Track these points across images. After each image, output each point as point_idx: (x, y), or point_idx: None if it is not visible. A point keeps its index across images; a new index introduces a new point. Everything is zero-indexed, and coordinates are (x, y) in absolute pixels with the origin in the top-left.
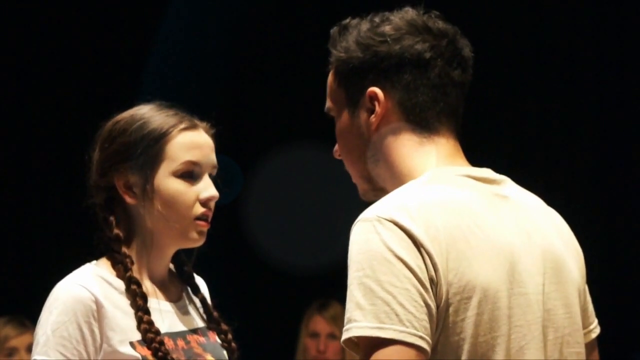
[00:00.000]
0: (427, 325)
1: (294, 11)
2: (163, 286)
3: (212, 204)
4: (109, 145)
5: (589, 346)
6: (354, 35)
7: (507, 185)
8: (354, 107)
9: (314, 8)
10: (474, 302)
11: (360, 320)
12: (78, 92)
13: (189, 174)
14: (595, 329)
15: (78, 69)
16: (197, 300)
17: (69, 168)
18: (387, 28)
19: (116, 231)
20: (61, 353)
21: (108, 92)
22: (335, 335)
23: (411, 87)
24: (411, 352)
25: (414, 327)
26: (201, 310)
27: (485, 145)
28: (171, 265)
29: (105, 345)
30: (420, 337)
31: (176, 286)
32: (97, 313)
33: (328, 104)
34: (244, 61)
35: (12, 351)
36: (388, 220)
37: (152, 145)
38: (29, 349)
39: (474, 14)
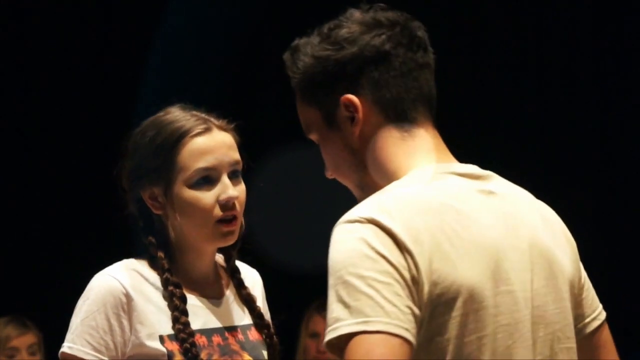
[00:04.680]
0: (412, 319)
1: (294, 11)
2: (205, 282)
3: (236, 203)
4: (131, 159)
5: (595, 333)
6: (308, 52)
7: (493, 180)
8: (332, 121)
9: (314, 8)
10: (458, 303)
11: (346, 318)
12: (77, 92)
13: (204, 180)
14: (600, 316)
15: (78, 69)
16: (242, 296)
17: (68, 168)
18: (338, 34)
19: (150, 238)
20: (87, 342)
21: (108, 92)
22: None
23: (381, 83)
24: (396, 341)
25: (399, 319)
26: (246, 305)
27: (480, 143)
28: (221, 260)
29: (133, 338)
30: (406, 329)
31: (224, 281)
32: (127, 305)
33: (307, 134)
34: (244, 61)
35: (13, 351)
36: (369, 220)
37: (165, 157)
38: (30, 349)
39: (469, 13)
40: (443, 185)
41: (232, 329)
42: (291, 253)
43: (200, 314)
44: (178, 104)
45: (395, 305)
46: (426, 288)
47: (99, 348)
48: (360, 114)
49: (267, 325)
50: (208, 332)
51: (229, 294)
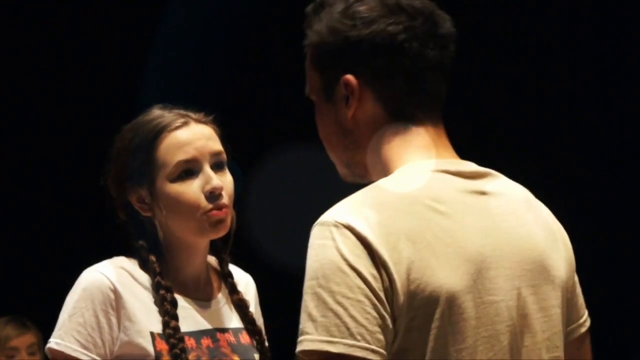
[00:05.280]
0: (381, 337)
1: (294, 11)
2: (196, 284)
3: (223, 193)
4: (114, 165)
5: (579, 340)
6: (327, 17)
7: (490, 179)
8: (329, 93)
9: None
10: (437, 314)
11: (311, 332)
12: (77, 92)
13: (186, 173)
14: (586, 322)
15: (77, 68)
16: (234, 300)
17: (69, 168)
18: (358, 10)
19: (140, 242)
20: (75, 338)
21: (108, 93)
22: None
23: (385, 74)
24: None
25: (365, 341)
26: (238, 309)
27: (479, 141)
28: (215, 263)
29: (122, 335)
30: (372, 351)
31: (215, 284)
32: (115, 302)
33: (307, 88)
34: (244, 61)
35: (13, 351)
36: (344, 226)
37: (145, 156)
38: (30, 349)
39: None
40: (431, 186)
41: (223, 331)
42: (291, 253)
43: (189, 316)
44: (153, 106)
45: (362, 325)
46: (402, 299)
47: (87, 345)
48: (356, 98)
49: (259, 331)
50: (197, 335)
51: (221, 297)
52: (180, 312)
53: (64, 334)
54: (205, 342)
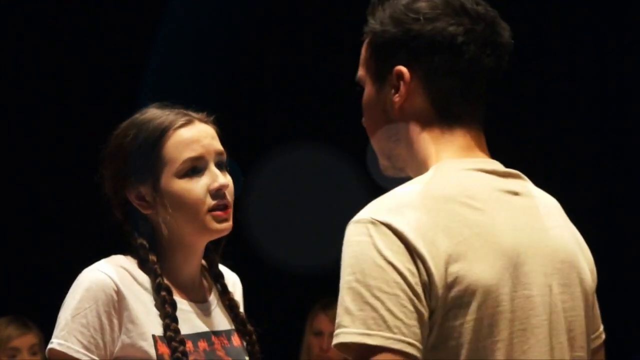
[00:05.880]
0: (418, 331)
1: (295, 11)
2: (192, 285)
3: (226, 192)
4: (112, 162)
5: (594, 352)
6: (391, 7)
7: (520, 181)
8: (380, 81)
9: (314, 8)
10: (474, 306)
11: (348, 325)
12: (77, 92)
13: (193, 170)
14: (602, 335)
15: (78, 68)
16: (225, 301)
17: (69, 168)
18: (423, 5)
19: (140, 241)
20: (77, 339)
21: (108, 93)
22: None
23: (439, 71)
24: (397, 359)
25: (402, 334)
26: (229, 311)
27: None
28: (204, 263)
29: (123, 337)
30: (409, 344)
31: (207, 285)
32: (118, 304)
33: (359, 72)
34: (244, 61)
35: (15, 351)
36: (382, 223)
37: (150, 153)
38: (31, 349)
39: None
40: (466, 183)
41: (217, 334)
42: (291, 253)
43: (187, 319)
44: (151, 105)
45: (399, 319)
46: (439, 292)
47: (89, 347)
48: (406, 91)
49: (249, 332)
50: (194, 337)
51: (212, 298)
52: (178, 314)
53: (67, 334)
54: (202, 345)
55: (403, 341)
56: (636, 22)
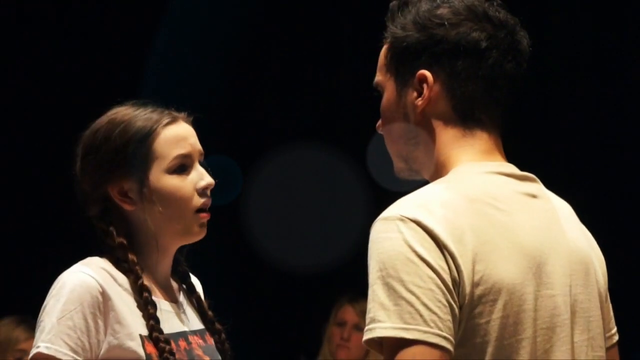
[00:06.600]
0: (451, 326)
1: (294, 11)
2: (166, 285)
3: (209, 192)
4: (95, 156)
5: (608, 352)
6: (412, 13)
7: (536, 185)
8: (402, 85)
9: (314, 8)
10: (499, 305)
11: (384, 320)
12: (76, 92)
13: (181, 167)
14: (615, 335)
15: (77, 68)
16: (193, 300)
17: (69, 168)
18: (446, 11)
19: (119, 240)
20: (65, 342)
21: (108, 93)
22: (361, 327)
23: (462, 76)
24: (435, 353)
25: (438, 328)
26: (197, 310)
27: None
28: None
29: (110, 338)
30: (445, 338)
31: (175, 285)
32: (104, 305)
33: (377, 77)
34: (244, 61)
35: (22, 354)
36: (411, 220)
37: (140, 147)
38: None
39: None
40: (488, 185)
41: (193, 333)
42: (291, 253)
43: (167, 318)
44: (129, 102)
45: (434, 313)
46: (467, 289)
47: (76, 349)
48: (429, 94)
49: (218, 331)
50: (175, 337)
51: (182, 298)
52: (158, 314)
53: (54, 337)
54: (183, 344)
55: (439, 335)
56: (636, 22)
